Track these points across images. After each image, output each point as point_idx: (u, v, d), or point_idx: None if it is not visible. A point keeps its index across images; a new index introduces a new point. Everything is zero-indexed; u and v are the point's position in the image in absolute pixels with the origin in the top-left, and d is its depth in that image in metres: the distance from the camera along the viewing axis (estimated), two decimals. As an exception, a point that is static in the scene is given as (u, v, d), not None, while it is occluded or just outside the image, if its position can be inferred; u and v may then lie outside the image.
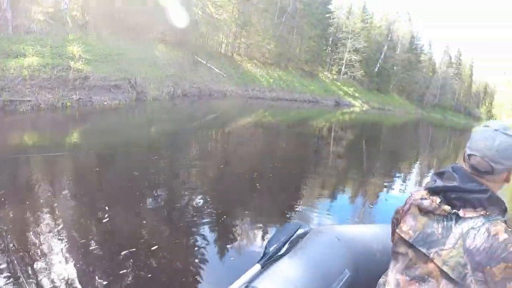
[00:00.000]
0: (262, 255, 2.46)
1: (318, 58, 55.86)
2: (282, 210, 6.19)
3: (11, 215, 4.48)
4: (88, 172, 6.80)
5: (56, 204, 4.94)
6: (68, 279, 3.35)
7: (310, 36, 50.81)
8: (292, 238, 2.65)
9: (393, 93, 73.36)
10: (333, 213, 6.38)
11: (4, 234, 3.94)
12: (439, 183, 1.68)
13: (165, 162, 8.31)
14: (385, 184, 9.29)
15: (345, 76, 60.24)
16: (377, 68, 67.10)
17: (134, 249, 3.99)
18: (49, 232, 4.13)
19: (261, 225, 5.38)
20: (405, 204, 1.86)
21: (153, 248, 4.07)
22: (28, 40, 14.33)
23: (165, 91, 20.52)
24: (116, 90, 15.70)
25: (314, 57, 53.92)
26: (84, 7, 22.27)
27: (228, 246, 4.59)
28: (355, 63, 59.97)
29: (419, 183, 10.18)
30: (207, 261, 4.12)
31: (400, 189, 9.04)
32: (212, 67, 31.13)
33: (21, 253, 3.62)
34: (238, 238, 4.90)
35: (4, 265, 3.39)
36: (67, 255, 3.72)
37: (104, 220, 4.58)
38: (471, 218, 1.54)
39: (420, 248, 1.66)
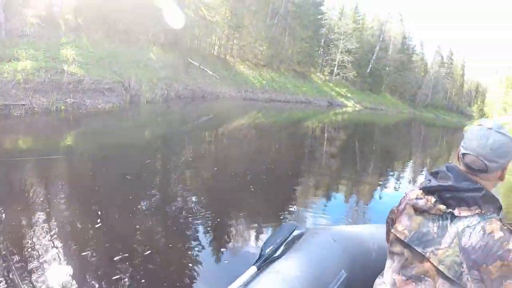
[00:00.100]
0: (258, 257, 2.47)
1: (310, 59, 56.01)
2: (277, 211, 6.15)
3: (3, 219, 4.43)
4: (81, 175, 6.75)
5: (49, 208, 4.87)
6: (61, 284, 3.34)
7: (302, 37, 50.89)
8: (288, 239, 2.65)
9: (385, 93, 73.59)
10: (329, 214, 6.39)
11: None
12: (434, 182, 1.67)
13: (159, 165, 8.27)
14: (380, 183, 9.34)
15: (338, 77, 60.38)
16: (369, 69, 67.33)
17: (128, 254, 3.96)
18: (42, 237, 4.09)
19: (256, 227, 5.37)
20: (400, 204, 1.86)
21: (147, 252, 4.05)
22: (22, 43, 14.27)
23: (159, 93, 20.48)
24: (110, 93, 15.68)
25: (306, 58, 54.05)
26: (77, 10, 22.20)
27: (223, 248, 4.57)
28: (347, 64, 60.16)
29: (413, 182, 10.22)
30: (203, 264, 4.11)
31: (395, 188, 9.08)
32: (205, 69, 31.13)
33: (14, 257, 3.58)
34: (234, 240, 4.90)
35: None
36: (61, 260, 3.70)
37: (97, 225, 4.53)
38: (466, 217, 1.54)
39: (416, 248, 1.66)
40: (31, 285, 3.24)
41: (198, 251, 4.35)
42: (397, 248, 1.76)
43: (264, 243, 2.60)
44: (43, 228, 4.26)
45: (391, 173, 11.07)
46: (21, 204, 4.92)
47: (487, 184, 1.62)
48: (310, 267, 2.39)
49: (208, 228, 5.01)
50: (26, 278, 3.29)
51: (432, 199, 1.65)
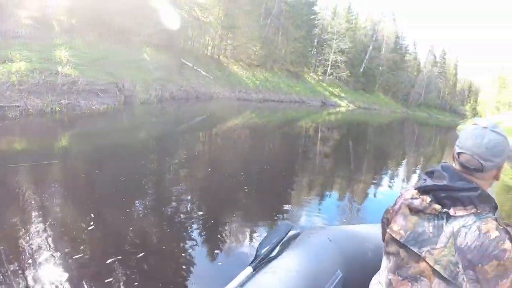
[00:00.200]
0: (253, 257, 2.43)
1: (303, 59, 56.00)
2: (272, 211, 6.13)
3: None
4: (75, 178, 6.66)
5: (42, 212, 4.83)
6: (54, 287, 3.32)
7: (295, 37, 50.87)
8: (283, 239, 2.64)
9: (378, 93, 73.71)
10: (323, 213, 6.39)
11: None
12: (429, 182, 1.66)
13: (152, 167, 8.22)
14: (374, 183, 9.36)
15: (331, 76, 60.37)
16: (362, 68, 67.39)
17: (121, 256, 3.94)
18: (35, 240, 4.04)
19: (251, 227, 5.36)
20: (395, 203, 1.83)
21: (141, 254, 4.01)
22: (16, 45, 14.24)
23: (153, 94, 20.45)
24: (104, 94, 15.67)
25: (299, 58, 54.06)
26: (70, 11, 22.16)
27: (218, 249, 4.56)
28: (341, 64, 60.17)
29: (407, 181, 10.27)
30: (198, 265, 4.09)
31: (389, 187, 9.11)
32: (199, 69, 31.09)
33: (8, 260, 3.54)
34: (229, 241, 4.88)
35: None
36: (53, 263, 3.66)
37: (90, 227, 4.47)
38: (461, 216, 1.53)
39: (412, 248, 1.64)
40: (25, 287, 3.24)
41: (193, 252, 4.34)
42: (393, 248, 1.75)
43: (260, 243, 2.56)
44: (35, 232, 4.23)
45: (385, 172, 11.10)
46: (14, 208, 4.86)
47: (483, 184, 1.61)
48: (306, 267, 2.38)
49: (203, 229, 5.00)
50: (20, 280, 3.28)
51: (428, 198, 1.64)
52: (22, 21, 16.32)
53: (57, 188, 6.02)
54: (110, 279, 3.51)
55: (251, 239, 4.98)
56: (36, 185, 5.99)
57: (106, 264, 3.73)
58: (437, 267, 1.54)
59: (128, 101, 17.60)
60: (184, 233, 4.85)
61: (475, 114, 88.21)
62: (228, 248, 4.67)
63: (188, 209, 5.81)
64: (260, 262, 2.39)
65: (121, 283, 3.52)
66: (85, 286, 3.41)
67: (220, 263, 4.27)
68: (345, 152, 14.62)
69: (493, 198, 1.59)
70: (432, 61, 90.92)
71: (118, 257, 3.88)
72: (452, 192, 1.57)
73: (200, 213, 5.65)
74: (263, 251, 2.47)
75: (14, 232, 4.18)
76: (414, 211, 1.68)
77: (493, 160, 1.55)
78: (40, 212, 4.80)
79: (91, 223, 4.57)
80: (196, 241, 4.61)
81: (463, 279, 1.48)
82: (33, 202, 5.18)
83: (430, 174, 1.71)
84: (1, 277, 3.30)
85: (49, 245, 3.97)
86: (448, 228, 1.54)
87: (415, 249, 1.62)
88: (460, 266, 1.48)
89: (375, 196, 8.19)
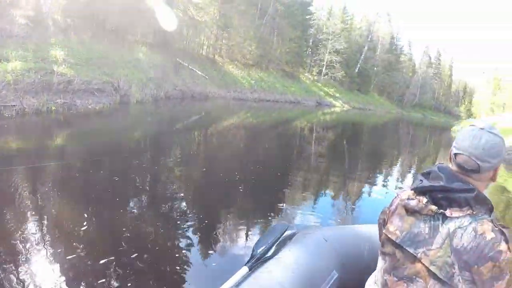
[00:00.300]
0: (249, 257, 2.48)
1: (298, 59, 56.09)
2: (267, 211, 6.11)
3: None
4: (69, 178, 6.55)
5: (35, 213, 4.74)
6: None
7: (290, 37, 50.91)
8: (279, 239, 2.66)
9: (373, 93, 73.91)
10: (319, 213, 6.36)
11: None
12: (426, 183, 1.66)
13: (147, 166, 8.16)
14: (370, 183, 9.34)
15: (326, 77, 60.49)
16: (357, 69, 67.57)
17: (115, 256, 3.90)
18: (28, 242, 3.97)
19: (246, 227, 5.34)
20: (392, 204, 1.83)
21: (136, 254, 3.98)
22: (10, 44, 14.19)
23: (148, 93, 20.41)
24: (100, 94, 15.65)
25: (295, 58, 54.15)
26: (65, 10, 22.10)
27: (214, 249, 4.53)
28: (336, 64, 60.27)
29: (402, 181, 10.29)
30: (193, 265, 4.07)
31: (385, 188, 9.11)
32: (194, 69, 31.06)
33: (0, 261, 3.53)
34: (224, 241, 4.86)
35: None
36: (46, 264, 3.62)
37: (83, 228, 4.41)
38: (457, 217, 1.53)
39: (408, 248, 1.64)
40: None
41: (188, 252, 4.32)
42: (389, 249, 1.75)
43: (256, 243, 2.62)
44: (28, 233, 4.20)
45: (380, 173, 11.10)
46: (7, 209, 4.77)
47: (479, 185, 1.62)
48: (301, 267, 2.42)
49: (198, 229, 4.96)
50: (13, 281, 3.25)
51: (424, 199, 1.64)
52: (17, 20, 16.23)
53: (51, 188, 5.93)
54: (104, 280, 3.49)
55: (246, 239, 4.95)
56: (30, 186, 5.90)
57: (99, 265, 3.70)
58: (432, 268, 1.54)
59: (124, 100, 17.57)
60: (179, 233, 4.83)
61: (469, 115, 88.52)
62: (224, 248, 4.64)
63: (183, 209, 5.78)
64: (256, 262, 2.42)
65: (115, 284, 3.49)
66: (79, 286, 3.40)
67: (215, 263, 4.25)
68: (340, 152, 14.64)
69: (489, 200, 1.59)
70: (427, 62, 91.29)
71: (112, 258, 3.86)
72: (448, 193, 1.57)
73: (195, 213, 5.64)
74: (259, 251, 2.51)
75: (6, 233, 4.12)
76: (410, 211, 1.68)
77: (490, 161, 1.56)
78: (33, 213, 4.74)
79: (85, 223, 4.54)
80: (192, 241, 4.59)
81: (458, 280, 1.49)
82: (26, 203, 5.11)
83: (427, 175, 1.71)
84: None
85: (43, 246, 3.92)
86: (444, 229, 1.55)
87: (411, 250, 1.63)
88: (456, 267, 1.49)
89: (370, 196, 8.18)
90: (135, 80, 19.50)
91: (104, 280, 3.48)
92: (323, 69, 60.49)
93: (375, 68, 73.29)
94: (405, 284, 1.65)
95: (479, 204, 1.55)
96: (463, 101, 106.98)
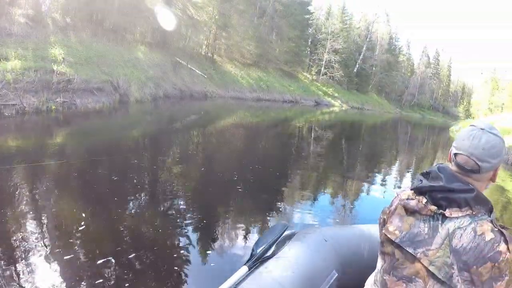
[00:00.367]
0: (249, 257, 2.49)
1: (297, 58, 56.06)
2: (266, 211, 6.11)
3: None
4: (67, 177, 6.55)
5: (33, 212, 4.72)
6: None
7: (289, 37, 50.95)
8: (279, 239, 2.68)
9: (372, 93, 73.94)
10: (318, 213, 6.38)
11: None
12: (425, 183, 1.66)
13: (146, 166, 8.11)
14: (369, 183, 9.37)
15: (325, 76, 60.45)
16: (356, 69, 67.62)
17: (113, 256, 3.87)
18: (27, 242, 3.95)
19: (246, 227, 5.33)
20: (392, 204, 1.81)
21: (134, 254, 3.96)
22: (10, 43, 14.19)
23: (148, 92, 20.39)
24: (99, 93, 15.65)
25: (293, 57, 54.10)
26: (65, 9, 22.10)
27: (213, 249, 4.52)
28: (334, 64, 60.27)
29: (401, 180, 10.31)
30: (193, 265, 4.06)
31: (385, 187, 9.13)
32: (193, 68, 31.02)
33: None
34: (224, 240, 4.86)
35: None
36: (44, 264, 3.58)
37: (81, 228, 4.39)
38: (457, 218, 1.53)
39: (407, 248, 1.63)
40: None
41: (188, 251, 4.31)
42: (388, 249, 1.74)
43: (256, 242, 2.63)
44: (27, 233, 4.18)
45: (379, 172, 11.08)
46: (7, 208, 4.76)
47: (479, 185, 1.61)
48: (301, 267, 2.42)
49: (198, 229, 4.96)
50: (10, 281, 3.23)
51: (423, 199, 1.64)
52: (16, 19, 16.23)
53: (50, 187, 5.93)
54: (103, 280, 3.48)
55: (246, 238, 4.94)
56: (29, 185, 5.85)
57: (99, 265, 3.70)
58: (431, 268, 1.54)
59: (123, 99, 17.56)
60: (179, 233, 4.81)
61: (468, 115, 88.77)
62: (223, 248, 4.63)
63: (182, 208, 5.75)
64: (256, 261, 2.44)
65: (115, 284, 3.49)
66: (78, 286, 3.37)
67: (215, 263, 4.25)
68: (339, 152, 14.63)
69: (489, 200, 1.59)
70: (425, 62, 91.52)
71: (111, 257, 3.85)
72: (448, 193, 1.57)
73: (194, 212, 5.62)
74: (259, 250, 2.52)
75: (5, 233, 4.11)
76: (410, 211, 1.68)
77: (490, 162, 1.56)
78: (32, 213, 4.72)
79: (83, 222, 4.54)
80: (191, 241, 4.59)
81: (458, 280, 1.48)
82: (25, 202, 5.10)
83: (426, 175, 1.70)
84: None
85: (41, 245, 3.89)
86: (444, 229, 1.55)
87: (410, 250, 1.62)
88: (455, 267, 1.49)
89: (369, 195, 8.19)
90: (134, 79, 19.48)
91: (103, 280, 3.48)
92: (322, 68, 60.44)
93: (373, 68, 73.35)
94: (404, 284, 1.64)
95: (478, 204, 1.55)
96: (462, 101, 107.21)
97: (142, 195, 6.20)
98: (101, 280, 3.46)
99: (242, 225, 5.40)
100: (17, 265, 3.50)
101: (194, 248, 4.42)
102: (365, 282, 2.05)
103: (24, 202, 5.09)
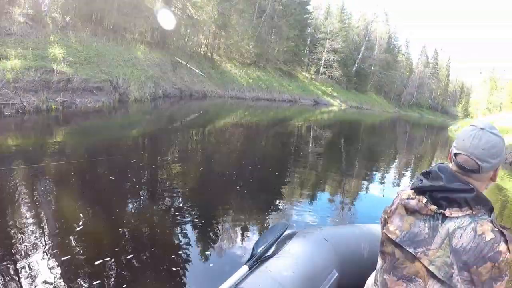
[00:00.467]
0: (249, 256, 2.49)
1: (296, 58, 56.10)
2: (266, 211, 6.09)
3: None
4: (66, 177, 6.51)
5: (30, 213, 4.72)
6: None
7: (288, 36, 50.95)
8: (279, 239, 2.68)
9: (371, 92, 73.99)
10: (318, 212, 6.36)
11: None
12: (425, 182, 1.65)
13: (144, 165, 8.08)
14: (369, 182, 9.35)
15: (323, 76, 60.47)
16: (355, 68, 67.62)
17: (112, 257, 3.85)
18: (26, 242, 3.93)
19: (246, 226, 5.32)
20: (392, 204, 1.81)
21: (133, 255, 3.94)
22: (10, 42, 14.20)
23: (147, 92, 20.37)
24: (99, 92, 15.67)
25: (292, 57, 54.16)
26: (64, 8, 22.12)
27: (214, 248, 4.50)
28: (333, 63, 60.33)
29: (400, 179, 10.29)
30: (193, 265, 4.04)
31: (383, 186, 9.13)
32: (192, 67, 31.01)
33: None
34: (224, 240, 4.84)
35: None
36: (45, 264, 3.56)
37: (78, 228, 4.35)
38: (457, 217, 1.53)
39: (407, 248, 1.64)
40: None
41: (188, 251, 4.30)
42: (389, 248, 1.75)
43: (256, 242, 2.63)
44: (25, 233, 4.15)
45: (379, 171, 11.03)
46: (6, 208, 4.76)
47: (479, 185, 1.61)
48: (301, 266, 2.41)
49: (197, 229, 4.97)
50: (11, 282, 3.25)
51: (424, 199, 1.64)
52: (16, 18, 16.24)
53: (49, 187, 5.90)
54: (102, 280, 3.47)
55: (246, 238, 4.94)
56: (28, 185, 5.82)
57: (98, 265, 3.68)
58: (431, 268, 1.55)
59: (123, 99, 17.58)
60: (178, 233, 4.78)
61: (466, 115, 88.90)
62: (224, 247, 4.63)
63: (182, 208, 5.73)
64: (256, 261, 2.43)
65: (114, 284, 3.46)
66: (77, 286, 3.35)
67: (215, 262, 4.25)
68: (338, 151, 14.58)
69: (489, 200, 1.59)
70: (424, 61, 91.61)
71: (111, 257, 3.84)
72: (448, 193, 1.57)
73: (194, 212, 5.60)
74: (259, 250, 2.52)
75: (3, 233, 4.09)
76: (410, 211, 1.68)
77: (490, 161, 1.56)
78: (31, 213, 4.70)
79: (80, 223, 4.50)
80: (191, 241, 4.58)
81: (457, 280, 1.49)
82: (23, 202, 5.06)
83: (427, 174, 1.70)
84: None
85: (39, 246, 3.88)
86: (443, 229, 1.55)
87: (410, 250, 1.63)
88: (455, 267, 1.49)
89: (370, 194, 8.18)
90: (134, 79, 19.46)
91: (103, 280, 3.47)
92: (321, 68, 60.45)
93: (372, 68, 73.37)
94: (405, 284, 1.65)
95: (479, 204, 1.55)
96: (460, 100, 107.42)
97: (142, 195, 6.20)
98: (100, 280, 3.45)
99: (242, 224, 5.39)
100: (16, 265, 3.49)
101: (195, 248, 4.42)
102: (365, 281, 2.06)
103: (24, 202, 5.07)
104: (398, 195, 1.81)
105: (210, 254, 4.35)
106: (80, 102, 14.12)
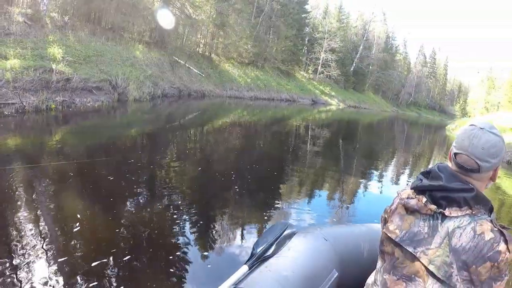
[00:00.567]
0: (249, 256, 2.48)
1: (294, 57, 55.98)
2: (266, 210, 6.05)
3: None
4: (63, 177, 6.47)
5: (27, 213, 4.69)
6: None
7: (286, 36, 50.83)
8: (279, 238, 2.65)
9: (369, 92, 74.05)
10: (318, 212, 6.36)
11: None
12: (425, 182, 1.66)
13: (142, 165, 8.03)
14: (368, 181, 9.34)
15: (322, 75, 60.44)
16: (353, 67, 67.65)
17: (110, 257, 3.84)
18: (25, 242, 3.92)
19: (246, 226, 5.32)
20: (393, 203, 1.83)
21: (132, 256, 3.93)
22: (9, 42, 14.20)
23: (146, 91, 20.39)
24: (98, 92, 15.69)
25: (290, 56, 54.01)
26: (63, 8, 22.12)
27: (213, 248, 4.50)
28: (331, 63, 60.24)
29: (398, 178, 10.28)
30: (193, 265, 4.04)
31: (381, 185, 9.10)
32: (191, 67, 31.01)
33: None
34: (224, 240, 4.84)
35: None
36: (43, 264, 3.57)
37: (76, 229, 4.33)
38: (456, 217, 1.54)
39: (407, 247, 1.65)
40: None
41: (188, 251, 4.30)
42: (388, 248, 1.76)
43: (256, 242, 2.62)
44: (24, 233, 4.16)
45: (377, 170, 10.99)
46: (5, 208, 4.78)
47: (479, 185, 1.62)
48: (301, 266, 2.41)
49: (197, 228, 4.97)
50: (9, 281, 3.25)
51: (423, 198, 1.64)
52: (15, 18, 16.24)
53: (48, 187, 5.88)
54: (102, 280, 3.47)
55: (246, 237, 4.93)
56: (27, 185, 5.82)
57: (97, 265, 3.68)
58: (431, 267, 1.56)
59: (122, 98, 17.61)
60: (178, 233, 4.79)
61: (464, 114, 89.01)
62: (224, 247, 4.64)
63: (181, 208, 5.68)
64: (256, 260, 2.42)
65: (113, 284, 3.47)
66: (76, 286, 3.34)
67: (215, 262, 4.23)
68: (336, 150, 14.59)
69: (489, 200, 1.61)
70: (422, 61, 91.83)
71: (110, 257, 3.85)
72: (448, 192, 1.58)
73: (193, 212, 5.58)
74: (259, 249, 2.51)
75: (2, 233, 4.10)
76: (410, 211, 1.70)
77: (490, 161, 1.57)
78: (30, 213, 4.69)
79: (79, 223, 4.49)
80: (191, 240, 4.58)
81: (457, 279, 1.50)
82: (22, 202, 5.06)
83: (427, 174, 1.71)
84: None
85: (39, 246, 3.87)
86: (443, 228, 1.56)
87: (410, 249, 1.64)
88: (455, 266, 1.50)
89: (368, 193, 8.15)
90: (132, 78, 19.46)
91: (102, 280, 3.48)
92: (319, 67, 60.44)
93: (370, 67, 73.43)
94: (404, 283, 1.66)
95: (478, 204, 1.56)
96: (458, 100, 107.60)
97: (141, 195, 6.16)
98: (99, 281, 3.46)
99: (241, 224, 5.39)
100: (15, 265, 3.51)
101: (194, 248, 4.42)
102: (365, 281, 2.07)
103: (22, 202, 5.07)
104: (398, 194, 1.82)
105: (210, 254, 4.35)
106: (79, 101, 14.15)
